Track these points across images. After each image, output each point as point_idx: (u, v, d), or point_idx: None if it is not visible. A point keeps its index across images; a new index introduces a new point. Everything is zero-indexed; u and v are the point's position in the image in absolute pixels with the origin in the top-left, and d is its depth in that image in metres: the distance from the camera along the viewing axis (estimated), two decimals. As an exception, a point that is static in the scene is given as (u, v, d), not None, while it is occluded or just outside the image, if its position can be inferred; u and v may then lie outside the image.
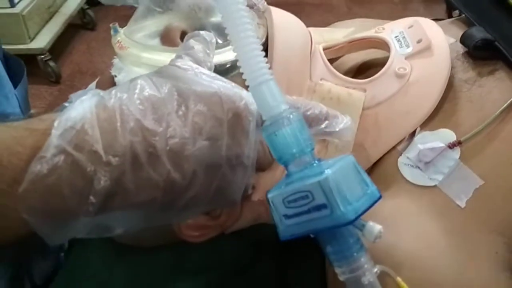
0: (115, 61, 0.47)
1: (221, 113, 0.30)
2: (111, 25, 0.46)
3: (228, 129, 0.30)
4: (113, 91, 0.30)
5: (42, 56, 1.88)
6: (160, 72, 0.32)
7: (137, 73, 0.43)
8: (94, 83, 0.51)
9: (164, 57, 0.43)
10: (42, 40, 1.89)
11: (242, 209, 0.43)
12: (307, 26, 0.55)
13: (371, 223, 0.31)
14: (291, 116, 0.31)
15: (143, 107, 0.28)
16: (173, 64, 0.33)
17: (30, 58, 1.87)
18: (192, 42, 0.36)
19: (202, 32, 0.37)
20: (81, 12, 2.39)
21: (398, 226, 0.42)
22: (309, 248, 0.51)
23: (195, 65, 0.33)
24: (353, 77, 0.51)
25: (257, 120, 0.32)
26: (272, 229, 0.51)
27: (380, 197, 0.31)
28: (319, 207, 0.29)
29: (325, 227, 0.30)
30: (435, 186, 0.44)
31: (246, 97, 0.31)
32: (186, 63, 0.33)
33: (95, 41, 2.43)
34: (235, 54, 0.31)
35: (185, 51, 0.35)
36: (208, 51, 0.36)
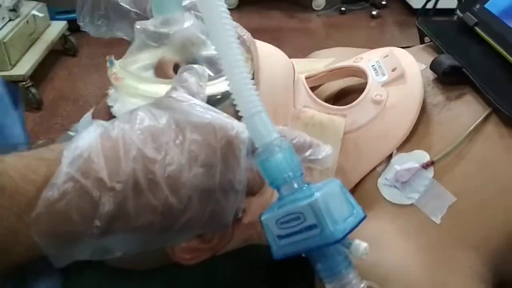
0: (111, 91, 0.49)
1: (214, 141, 0.32)
2: (107, 57, 0.48)
3: (221, 157, 0.32)
4: (116, 122, 0.32)
5: (24, 83, 1.88)
6: (157, 104, 0.35)
7: (133, 104, 0.46)
8: (89, 113, 0.53)
9: (158, 88, 0.45)
10: (24, 67, 1.90)
11: (233, 231, 0.46)
12: (287, 50, 0.58)
13: (357, 241, 0.33)
14: (282, 143, 0.34)
15: (144, 137, 0.31)
16: (169, 96, 0.36)
17: (12, 85, 1.88)
18: (186, 75, 0.38)
19: (195, 65, 0.40)
20: (63, 38, 2.41)
21: (380, 245, 0.44)
22: (300, 268, 0.54)
23: (189, 97, 0.36)
24: (333, 103, 0.54)
25: (247, 147, 0.34)
26: (263, 250, 0.54)
27: (365, 217, 0.34)
28: (310, 227, 0.32)
29: (315, 245, 0.32)
30: (412, 204, 0.47)
31: (237, 126, 0.34)
32: (181, 95, 0.36)
33: (77, 67, 2.45)
34: (230, 87, 0.34)
35: (179, 83, 0.38)
36: (201, 83, 0.39)
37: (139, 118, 0.32)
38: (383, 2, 3.12)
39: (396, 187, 0.47)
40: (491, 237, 0.45)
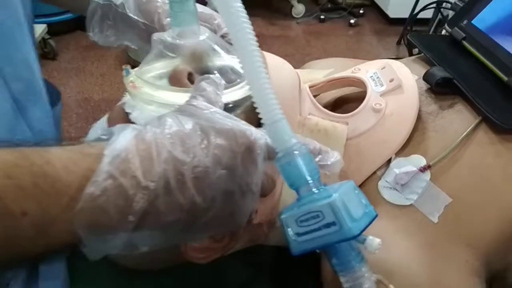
0: (126, 99, 0.51)
1: (236, 146, 0.35)
2: (123, 66, 0.50)
3: (241, 160, 0.35)
4: (148, 126, 0.35)
5: (5, 87, 1.85)
6: (182, 111, 0.37)
7: (150, 111, 0.48)
8: (105, 118, 0.55)
9: (174, 96, 0.47)
10: (5, 71, 1.87)
11: (243, 231, 0.48)
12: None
13: (371, 237, 0.37)
14: (301, 149, 0.37)
15: (173, 141, 0.33)
16: (190, 104, 0.38)
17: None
18: (204, 84, 0.41)
19: (211, 75, 0.43)
20: (42, 41, 2.38)
21: (385, 242, 0.48)
22: (305, 269, 0.57)
23: (209, 105, 0.39)
24: (331, 110, 0.58)
25: (264, 152, 0.38)
26: (269, 250, 0.57)
27: (376, 215, 0.37)
28: (329, 225, 0.35)
29: (334, 241, 0.36)
30: (411, 205, 0.50)
31: (255, 133, 0.37)
32: (201, 103, 0.39)
33: (56, 70, 2.43)
34: (252, 95, 0.37)
35: (198, 92, 0.40)
36: (218, 92, 0.42)
37: (168, 123, 0.35)
38: (361, 11, 3.20)
39: (395, 189, 0.51)
40: (484, 234, 0.49)
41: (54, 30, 2.49)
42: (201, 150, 0.34)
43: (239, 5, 0.36)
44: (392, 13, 3.02)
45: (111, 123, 0.52)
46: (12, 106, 0.56)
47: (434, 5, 2.03)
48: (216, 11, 0.59)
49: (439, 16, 1.98)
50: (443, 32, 1.85)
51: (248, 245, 0.51)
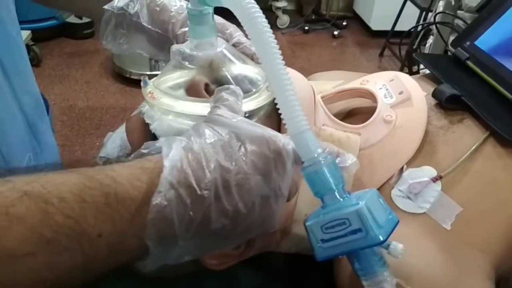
0: (144, 109, 0.52)
1: (268, 152, 0.36)
2: (142, 77, 0.51)
3: (274, 166, 0.36)
4: (192, 137, 0.36)
5: (-11, 94, 1.81)
6: (212, 121, 0.38)
7: (170, 121, 0.48)
8: (122, 128, 0.55)
9: (193, 106, 0.48)
10: (-11, 77, 1.83)
11: (259, 239, 0.49)
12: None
13: (394, 242, 0.38)
14: (327, 158, 0.38)
15: (216, 150, 0.35)
16: (216, 113, 0.39)
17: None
18: (225, 94, 0.42)
19: (231, 86, 0.44)
20: (26, 48, 2.35)
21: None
22: (316, 274, 0.58)
23: (234, 114, 0.40)
24: (341, 121, 0.59)
25: (292, 158, 0.38)
26: (281, 256, 0.57)
27: (398, 221, 0.39)
28: (355, 231, 0.36)
29: (360, 247, 0.37)
30: (424, 213, 0.52)
31: (282, 139, 0.38)
32: (226, 112, 0.40)
33: (40, 77, 2.39)
34: (279, 107, 0.38)
35: (221, 102, 0.41)
36: (239, 102, 0.43)
37: (207, 134, 0.36)
38: (344, 23, 3.27)
39: (409, 198, 0.53)
40: (493, 240, 0.52)
41: (38, 36, 2.47)
42: (240, 157, 0.35)
43: (264, 21, 0.38)
44: (375, 25, 3.09)
45: (129, 133, 0.53)
46: (23, 121, 0.55)
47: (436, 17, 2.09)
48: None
49: (422, 30, 2.03)
50: (427, 45, 1.91)
51: (260, 252, 0.52)
